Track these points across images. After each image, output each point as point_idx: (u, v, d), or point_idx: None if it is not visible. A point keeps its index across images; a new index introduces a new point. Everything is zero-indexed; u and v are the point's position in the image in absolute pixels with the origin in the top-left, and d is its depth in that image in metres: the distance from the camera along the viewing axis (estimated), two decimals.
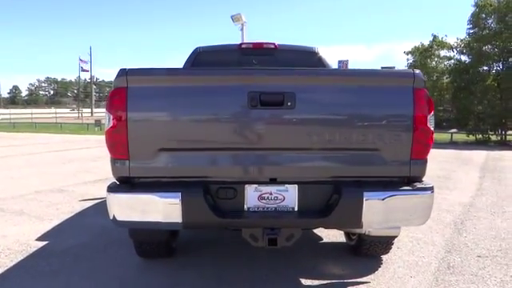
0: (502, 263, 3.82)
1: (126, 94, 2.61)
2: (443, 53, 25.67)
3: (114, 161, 2.73)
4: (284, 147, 2.70)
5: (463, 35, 24.58)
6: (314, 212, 2.72)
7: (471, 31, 23.81)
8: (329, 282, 3.35)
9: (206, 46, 5.08)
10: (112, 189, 2.67)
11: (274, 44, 5.02)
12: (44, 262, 3.75)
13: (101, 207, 5.92)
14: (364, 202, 2.60)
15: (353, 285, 3.29)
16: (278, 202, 2.73)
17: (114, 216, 2.67)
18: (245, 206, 2.73)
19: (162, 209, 2.59)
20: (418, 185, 2.74)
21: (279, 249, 3.69)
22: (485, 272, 3.60)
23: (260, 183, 2.73)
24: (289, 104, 2.61)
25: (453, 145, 18.48)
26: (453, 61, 25.09)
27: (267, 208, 2.73)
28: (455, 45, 24.72)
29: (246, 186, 2.71)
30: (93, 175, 8.67)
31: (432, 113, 2.74)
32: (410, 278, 3.44)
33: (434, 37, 25.63)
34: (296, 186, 2.72)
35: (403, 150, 2.71)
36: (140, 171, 2.68)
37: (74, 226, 4.95)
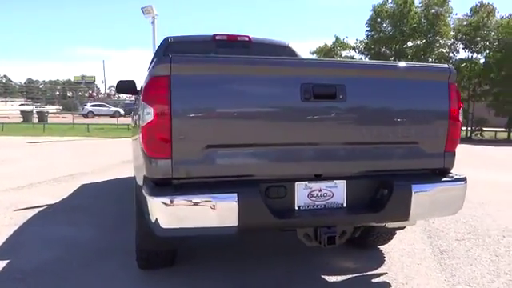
0: (480, 244, 4.17)
1: (170, 83, 2.28)
2: (345, 53, 27.53)
3: (150, 160, 2.37)
4: (335, 141, 2.61)
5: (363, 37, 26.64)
6: (364, 207, 2.67)
7: (369, 34, 25.94)
8: (351, 276, 3.33)
9: (177, 35, 4.75)
10: (156, 192, 2.31)
11: (248, 37, 4.90)
12: (20, 284, 3.13)
13: (48, 216, 5.19)
14: (413, 194, 2.63)
15: (374, 277, 3.31)
16: (326, 198, 2.62)
17: (157, 224, 2.31)
18: (295, 205, 2.57)
19: (217, 212, 2.31)
20: (454, 176, 2.85)
21: (282, 249, 3.60)
22: (473, 253, 3.89)
23: (309, 180, 2.59)
24: (341, 97, 2.52)
25: None
26: None
27: (317, 206, 2.60)
28: (356, 46, 26.71)
29: (297, 183, 2.56)
30: (10, 181, 7.52)
31: (462, 106, 2.87)
32: (417, 266, 3.57)
33: (337, 38, 27.36)
34: (344, 181, 2.64)
35: (439, 142, 2.79)
36: (184, 171, 2.36)
37: (30, 239, 4.23)
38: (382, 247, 3.95)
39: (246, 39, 4.85)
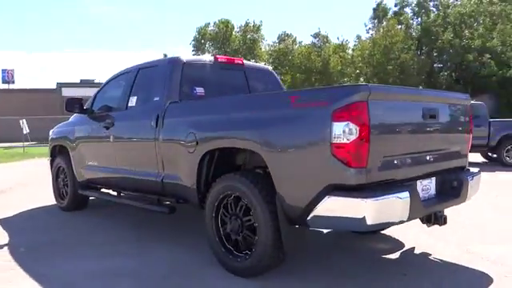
0: None
1: (368, 107, 2.87)
2: None
3: (350, 169, 2.90)
4: (433, 149, 3.61)
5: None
6: (448, 195, 3.70)
7: (195, 54, 27.44)
8: (400, 252, 4.24)
9: (189, 58, 4.95)
10: (366, 194, 2.84)
11: (241, 60, 5.54)
12: None
13: (38, 254, 4.38)
14: (469, 183, 3.80)
15: (414, 250, 4.32)
16: (427, 191, 3.57)
17: (363, 221, 2.84)
18: None
19: (401, 207, 2.99)
20: (475, 170, 4.16)
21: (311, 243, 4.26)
22: None
23: (422, 178, 3.49)
24: (437, 117, 3.56)
25: None
26: None
27: (425, 197, 3.52)
28: None
29: (418, 181, 3.43)
30: None
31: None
32: (420, 234, 4.65)
33: (165, 56, 27.90)
34: (434, 177, 3.64)
35: (465, 147, 4.09)
36: (372, 177, 2.98)
37: (76, 275, 3.72)
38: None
39: (241, 62, 5.42)
